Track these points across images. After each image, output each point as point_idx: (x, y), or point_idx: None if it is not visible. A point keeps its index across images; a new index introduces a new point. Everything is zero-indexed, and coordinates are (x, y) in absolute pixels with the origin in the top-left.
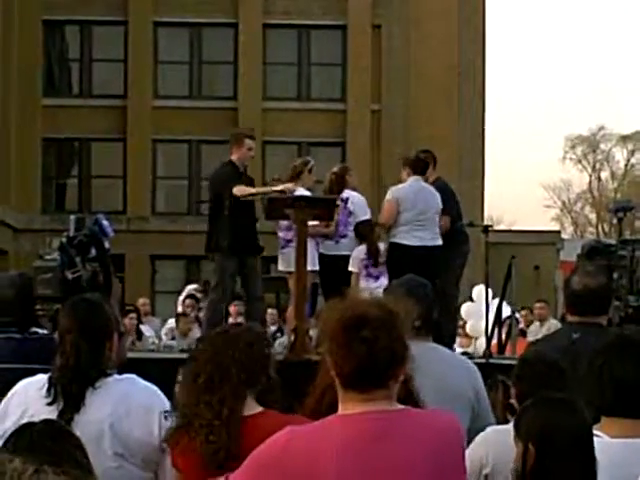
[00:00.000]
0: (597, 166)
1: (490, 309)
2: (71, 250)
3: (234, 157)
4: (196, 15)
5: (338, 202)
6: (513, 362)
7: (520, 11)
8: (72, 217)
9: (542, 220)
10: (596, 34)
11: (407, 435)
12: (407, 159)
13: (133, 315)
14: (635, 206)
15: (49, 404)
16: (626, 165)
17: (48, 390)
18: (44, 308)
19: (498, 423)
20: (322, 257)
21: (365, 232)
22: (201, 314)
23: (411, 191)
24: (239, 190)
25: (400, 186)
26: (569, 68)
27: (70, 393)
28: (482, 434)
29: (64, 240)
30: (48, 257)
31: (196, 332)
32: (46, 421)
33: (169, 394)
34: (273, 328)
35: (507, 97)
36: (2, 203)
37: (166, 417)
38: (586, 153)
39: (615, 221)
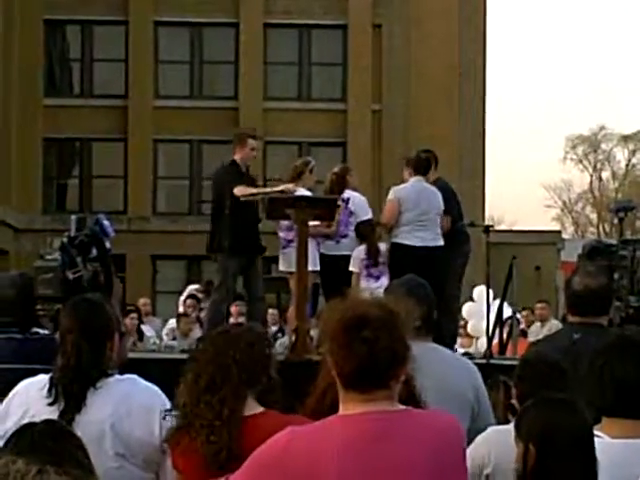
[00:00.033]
0: (598, 166)
1: (491, 309)
2: (72, 250)
3: (237, 157)
4: (197, 15)
5: (339, 202)
6: (514, 362)
7: (521, 11)
8: (73, 217)
9: (543, 220)
10: (597, 34)
11: (408, 435)
12: (409, 159)
13: (134, 315)
14: (636, 206)
15: (50, 404)
16: (627, 165)
17: (49, 390)
18: (45, 308)
19: (499, 423)
20: (322, 257)
21: (366, 232)
22: (202, 314)
23: (413, 191)
24: (239, 190)
25: (402, 186)
26: (570, 68)
27: (71, 393)
28: (483, 434)
29: (65, 240)
30: (49, 257)
31: (197, 332)
32: (47, 421)
33: (170, 394)
34: (274, 328)
35: (508, 97)
36: (3, 203)
37: (167, 417)
38: (587, 153)
39: (616, 221)
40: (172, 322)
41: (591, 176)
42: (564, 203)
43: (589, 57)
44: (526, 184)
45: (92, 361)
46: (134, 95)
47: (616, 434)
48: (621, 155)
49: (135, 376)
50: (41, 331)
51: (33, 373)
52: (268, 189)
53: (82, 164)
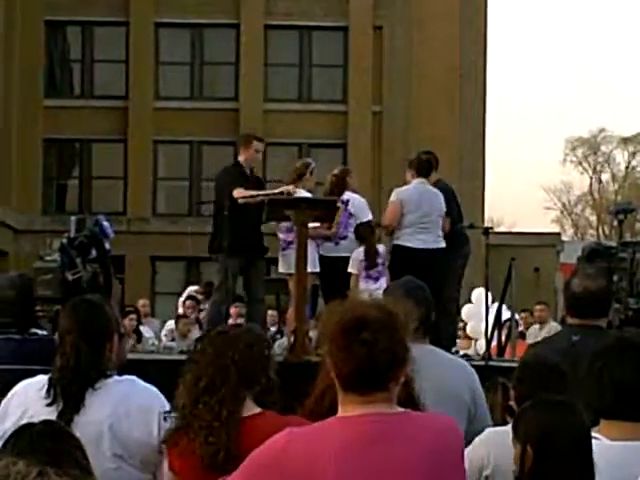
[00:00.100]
0: (598, 168)
1: (490, 311)
2: (71, 251)
3: (241, 158)
4: (197, 16)
5: (339, 204)
6: (513, 364)
7: (522, 13)
8: (73, 218)
9: (542, 222)
10: (597, 36)
11: (406, 438)
12: (412, 161)
13: (133, 316)
14: (636, 208)
15: (49, 405)
16: (627, 167)
17: (48, 391)
18: (44, 309)
19: (496, 425)
20: (321, 259)
21: (365, 234)
22: (201, 315)
23: (415, 193)
24: (238, 193)
25: (404, 188)
26: (570, 70)
27: (70, 394)
28: (482, 435)
29: (64, 241)
30: (48, 258)
31: (196, 333)
32: (46, 422)
33: (169, 395)
34: (273, 329)
35: (508, 98)
36: (3, 204)
37: (166, 418)
38: (587, 155)
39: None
40: (171, 323)
41: (591, 178)
42: (564, 205)
43: (589, 59)
44: (526, 186)
45: (91, 362)
46: (134, 96)
47: (615, 436)
48: (621, 157)
49: (134, 377)
50: (40, 332)
51: (32, 374)
52: (268, 191)
53: (82, 165)
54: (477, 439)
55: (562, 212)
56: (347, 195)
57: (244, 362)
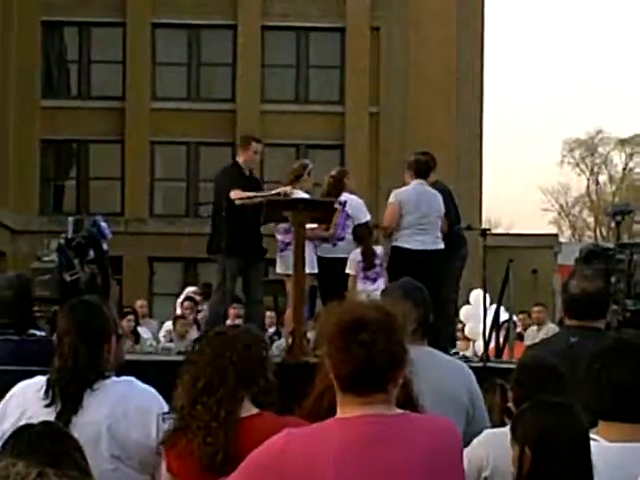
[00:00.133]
0: (595, 169)
1: (488, 313)
2: (69, 252)
3: (240, 159)
4: (194, 17)
5: (336, 205)
6: (510, 366)
7: (519, 14)
8: (70, 219)
9: (540, 223)
10: (594, 37)
11: (405, 439)
12: (411, 162)
13: (131, 317)
14: (633, 210)
15: (47, 406)
16: (624, 169)
17: (46, 392)
18: (42, 310)
19: (494, 426)
20: (319, 260)
21: (363, 235)
22: (199, 316)
23: (414, 194)
24: (236, 194)
25: (403, 189)
26: (567, 71)
27: (68, 395)
28: (480, 437)
29: (62, 242)
30: (46, 259)
31: (194, 334)
32: (44, 423)
33: (167, 396)
34: (271, 330)
35: (505, 99)
36: (0, 204)
37: (164, 419)
38: (584, 156)
39: (613, 225)
40: (168, 324)
41: (588, 180)
42: (561, 206)
43: (586, 60)
44: (523, 187)
45: (89, 363)
46: (131, 97)
47: (613, 438)
48: (618, 159)
49: (132, 378)
50: (38, 333)
51: (30, 375)
52: (265, 192)
53: (79, 166)
54: (475, 440)
55: (559, 213)
56: (345, 196)
57: (242, 363)
